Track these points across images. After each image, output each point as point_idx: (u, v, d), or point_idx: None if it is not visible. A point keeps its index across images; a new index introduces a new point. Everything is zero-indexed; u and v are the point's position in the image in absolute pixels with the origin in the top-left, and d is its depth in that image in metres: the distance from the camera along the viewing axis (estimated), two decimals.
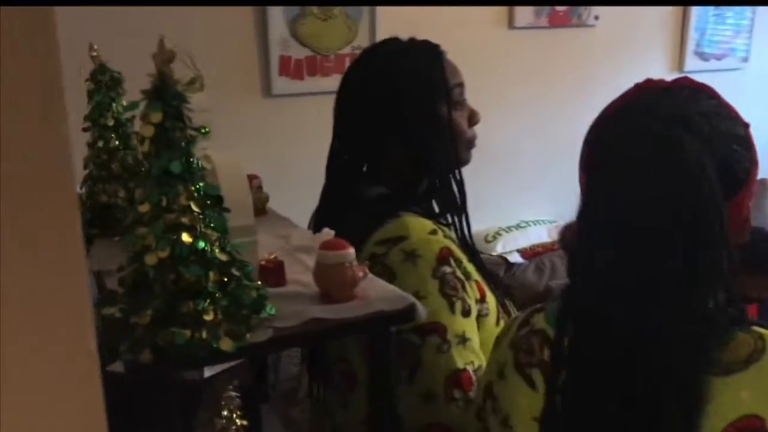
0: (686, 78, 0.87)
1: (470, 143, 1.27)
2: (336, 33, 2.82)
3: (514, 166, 3.29)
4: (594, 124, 0.88)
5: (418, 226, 1.14)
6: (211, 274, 0.72)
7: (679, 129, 0.77)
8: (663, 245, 0.76)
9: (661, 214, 0.76)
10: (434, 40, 3.30)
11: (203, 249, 0.72)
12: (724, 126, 0.81)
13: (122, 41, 2.22)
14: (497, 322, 1.19)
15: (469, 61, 3.07)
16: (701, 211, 0.76)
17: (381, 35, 2.87)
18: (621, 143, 0.80)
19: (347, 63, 2.92)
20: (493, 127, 3.46)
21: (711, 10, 3.60)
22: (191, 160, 0.73)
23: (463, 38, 3.12)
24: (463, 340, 1.06)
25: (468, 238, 1.25)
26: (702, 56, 3.64)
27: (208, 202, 0.74)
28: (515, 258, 3.08)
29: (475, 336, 1.09)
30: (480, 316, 1.15)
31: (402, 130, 1.21)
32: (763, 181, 3.77)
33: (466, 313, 1.10)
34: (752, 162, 0.83)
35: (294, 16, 2.71)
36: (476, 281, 1.17)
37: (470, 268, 1.17)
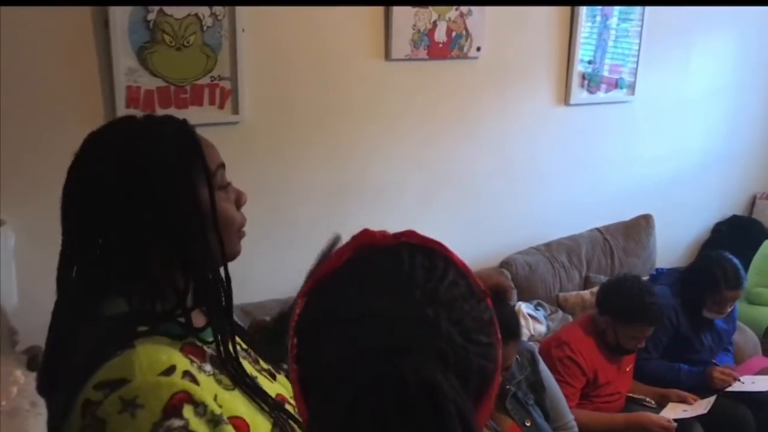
0: (411, 234, 0.69)
1: (241, 230, 1.10)
2: (192, 62, 2.59)
3: (398, 200, 3.14)
4: (308, 306, 0.69)
5: (147, 363, 0.92)
6: None
7: (433, 365, 0.60)
8: None
9: None
10: (307, 72, 3.07)
11: None
12: (471, 322, 0.64)
13: None
14: None
15: (345, 94, 2.93)
16: None
17: (244, 65, 2.65)
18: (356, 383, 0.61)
19: (206, 93, 2.69)
20: (375, 161, 3.30)
21: (598, 40, 3.53)
22: None
23: (337, 70, 2.93)
24: None
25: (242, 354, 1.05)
26: (589, 88, 3.56)
27: None
28: None
29: None
30: None
31: (158, 226, 1.00)
32: (647, 216, 3.74)
33: None
34: (496, 360, 0.67)
35: (142, 44, 2.47)
36: (236, 417, 0.97)
37: (230, 399, 0.98)
